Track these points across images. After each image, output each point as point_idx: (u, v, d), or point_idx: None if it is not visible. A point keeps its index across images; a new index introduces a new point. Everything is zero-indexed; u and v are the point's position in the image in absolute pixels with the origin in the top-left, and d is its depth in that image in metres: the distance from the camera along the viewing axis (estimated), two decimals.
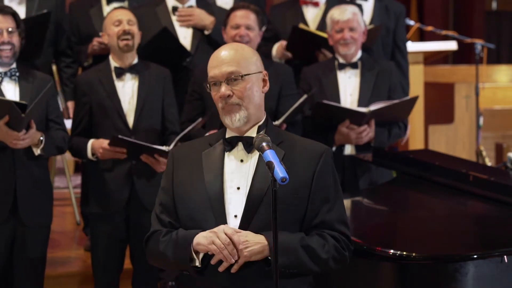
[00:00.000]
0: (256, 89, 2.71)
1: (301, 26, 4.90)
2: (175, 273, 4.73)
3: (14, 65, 3.93)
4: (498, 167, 5.33)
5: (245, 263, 2.60)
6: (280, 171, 2.42)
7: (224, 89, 2.66)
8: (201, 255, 2.64)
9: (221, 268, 2.60)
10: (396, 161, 4.39)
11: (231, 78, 2.66)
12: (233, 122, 2.68)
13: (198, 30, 4.88)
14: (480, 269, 3.00)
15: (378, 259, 3.05)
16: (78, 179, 6.42)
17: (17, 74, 3.91)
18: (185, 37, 4.89)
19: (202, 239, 2.61)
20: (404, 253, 3.01)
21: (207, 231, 2.62)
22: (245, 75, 2.68)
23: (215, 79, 2.68)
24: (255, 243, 2.59)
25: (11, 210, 3.87)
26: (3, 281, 3.96)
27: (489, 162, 6.85)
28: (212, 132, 4.01)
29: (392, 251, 3.03)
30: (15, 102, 3.72)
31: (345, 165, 4.49)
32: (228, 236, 2.56)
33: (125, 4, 4.91)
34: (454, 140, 6.98)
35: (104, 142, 4.08)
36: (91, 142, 4.15)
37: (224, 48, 2.73)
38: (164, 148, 4.06)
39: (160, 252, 2.70)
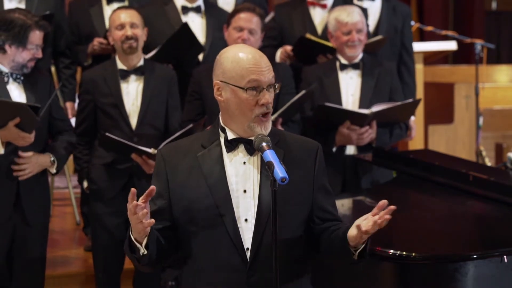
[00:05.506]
0: None
1: (308, 36, 4.89)
2: (175, 273, 4.73)
3: None
4: (498, 167, 5.32)
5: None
6: (280, 171, 2.41)
7: (268, 96, 2.60)
8: (144, 242, 2.52)
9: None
10: (396, 161, 4.39)
11: (271, 87, 2.62)
12: (266, 131, 2.62)
13: (210, 27, 4.86)
14: (480, 269, 3.00)
15: (378, 259, 3.04)
16: None
17: (21, 77, 3.89)
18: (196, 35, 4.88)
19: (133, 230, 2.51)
20: (404, 253, 3.01)
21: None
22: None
23: (258, 83, 2.60)
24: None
25: (14, 209, 3.86)
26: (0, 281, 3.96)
27: (489, 162, 6.85)
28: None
29: (392, 251, 3.03)
30: (28, 105, 3.72)
31: (346, 165, 4.50)
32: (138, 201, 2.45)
33: (125, 4, 4.90)
34: (454, 140, 6.98)
35: None
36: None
37: (258, 53, 2.65)
38: (150, 150, 4.05)
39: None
